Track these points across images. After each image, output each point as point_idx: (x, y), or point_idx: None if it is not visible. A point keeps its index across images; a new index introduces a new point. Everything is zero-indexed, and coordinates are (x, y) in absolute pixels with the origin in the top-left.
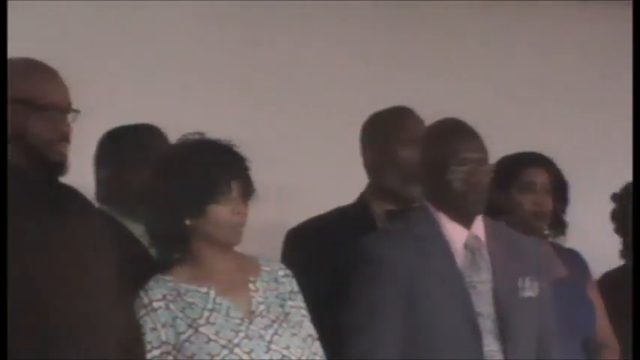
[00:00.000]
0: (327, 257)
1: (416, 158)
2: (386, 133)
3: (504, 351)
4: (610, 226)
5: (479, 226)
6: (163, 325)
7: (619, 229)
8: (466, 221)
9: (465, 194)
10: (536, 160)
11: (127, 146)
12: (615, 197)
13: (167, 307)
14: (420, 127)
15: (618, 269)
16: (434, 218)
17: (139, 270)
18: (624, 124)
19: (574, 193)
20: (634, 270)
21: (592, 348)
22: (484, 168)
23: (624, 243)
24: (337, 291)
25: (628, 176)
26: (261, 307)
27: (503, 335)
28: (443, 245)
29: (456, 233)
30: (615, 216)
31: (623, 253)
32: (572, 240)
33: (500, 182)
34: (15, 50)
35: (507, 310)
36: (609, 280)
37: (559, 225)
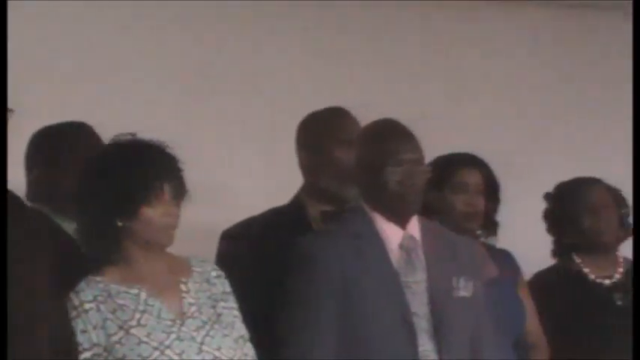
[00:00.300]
0: (262, 258)
1: (352, 159)
2: (321, 133)
3: (439, 351)
4: (541, 226)
5: (414, 226)
6: (94, 327)
7: (551, 229)
8: (402, 221)
9: (400, 195)
10: (469, 161)
11: (57, 145)
12: (548, 197)
13: (98, 309)
14: (356, 127)
15: (549, 269)
16: (369, 218)
17: (74, 269)
18: (556, 125)
19: (505, 194)
20: (634, 270)
21: (523, 348)
22: (420, 169)
23: (555, 243)
24: (272, 292)
25: (560, 176)
26: (193, 308)
27: (438, 335)
28: (378, 245)
29: (391, 233)
30: (547, 215)
31: (555, 253)
32: (503, 240)
33: (435, 183)
34: None
35: (442, 309)
36: (540, 280)
37: (491, 225)
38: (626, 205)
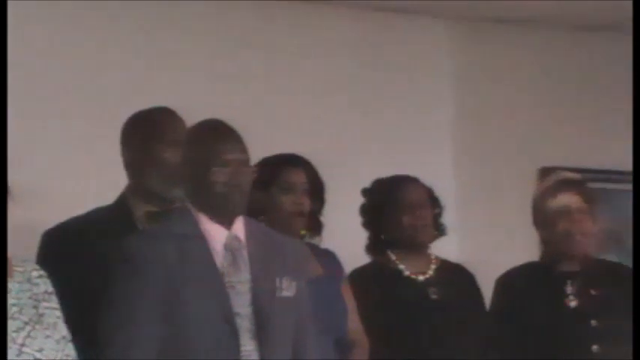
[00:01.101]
0: (85, 258)
1: (177, 159)
2: (146, 133)
3: (261, 350)
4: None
5: (239, 226)
6: None
7: (366, 224)
8: (227, 222)
9: (226, 195)
10: (295, 161)
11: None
12: (365, 192)
13: None
14: (182, 127)
15: (365, 266)
16: (195, 219)
17: None
18: (378, 124)
19: (329, 195)
20: (634, 269)
21: (344, 347)
22: (245, 169)
23: (370, 238)
24: (95, 291)
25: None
26: (14, 309)
27: (260, 335)
28: (202, 245)
29: (216, 234)
30: (364, 210)
31: (369, 249)
32: (327, 240)
33: (261, 183)
34: None
35: (265, 309)
36: (357, 276)
37: (316, 225)
38: (439, 205)
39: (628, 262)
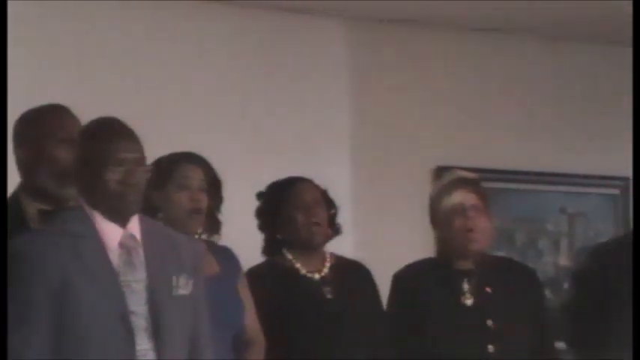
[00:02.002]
0: None
1: (71, 157)
2: (39, 131)
3: (157, 349)
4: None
5: (135, 225)
6: None
7: (262, 226)
8: (122, 220)
9: (121, 194)
10: (191, 159)
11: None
12: (260, 195)
13: None
14: (76, 125)
15: (261, 265)
16: (89, 218)
17: None
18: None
19: (228, 193)
20: (634, 269)
21: (241, 345)
22: (141, 168)
23: (266, 240)
24: None
25: (277, 174)
26: None
27: (157, 334)
28: (97, 244)
29: (111, 232)
30: (260, 213)
31: (265, 250)
32: (225, 238)
33: (157, 181)
34: None
35: (161, 308)
36: (253, 275)
37: (213, 223)
38: (334, 206)
39: (518, 259)
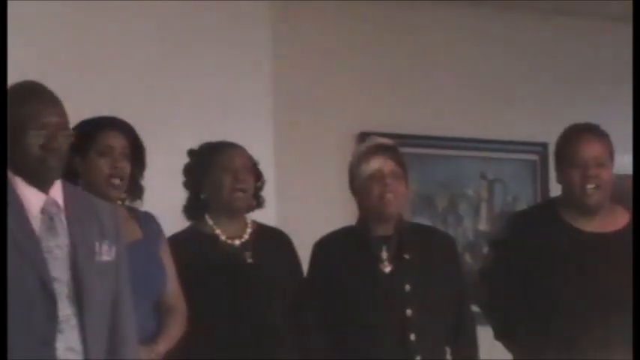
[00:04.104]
0: None
1: None
2: None
3: (80, 315)
4: (183, 191)
5: (57, 190)
6: None
7: (187, 183)
8: (44, 186)
9: (42, 159)
10: (114, 125)
11: None
12: (191, 152)
13: None
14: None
15: (184, 231)
16: (11, 183)
17: None
18: (197, 91)
19: (151, 159)
20: (634, 268)
21: (163, 309)
22: (63, 133)
23: (189, 199)
24: None
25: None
26: None
27: (79, 300)
28: (19, 210)
29: (33, 198)
30: (188, 170)
31: (186, 210)
32: (147, 203)
33: (79, 147)
34: None
35: (84, 274)
36: (176, 241)
37: (136, 189)
38: (261, 178)
39: (439, 224)
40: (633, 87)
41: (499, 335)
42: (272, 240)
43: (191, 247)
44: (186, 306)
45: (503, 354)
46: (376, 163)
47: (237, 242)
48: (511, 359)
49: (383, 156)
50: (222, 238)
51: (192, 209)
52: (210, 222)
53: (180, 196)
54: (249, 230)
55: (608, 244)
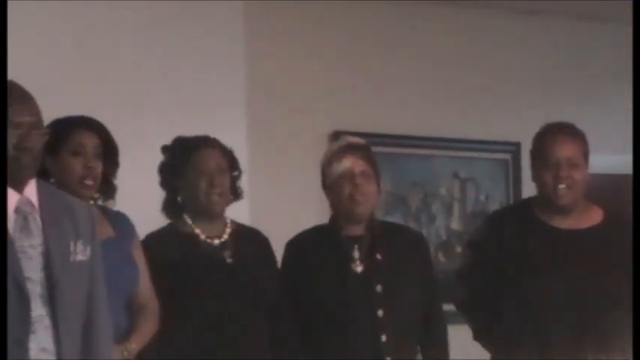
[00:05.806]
0: None
1: None
2: None
3: (53, 315)
4: (158, 190)
5: (31, 190)
6: None
7: (163, 184)
8: (18, 185)
9: (17, 158)
10: (87, 124)
11: None
12: (165, 149)
13: None
14: None
15: (161, 230)
16: None
17: None
18: (171, 86)
19: (124, 158)
20: (634, 268)
21: (135, 308)
22: (37, 131)
23: (166, 200)
24: None
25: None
26: None
27: (53, 299)
28: None
29: (7, 198)
30: (163, 169)
31: (165, 210)
32: (120, 203)
33: (52, 146)
34: None
35: (58, 274)
36: (153, 240)
37: (109, 188)
38: (237, 168)
39: (412, 223)
40: (633, 87)
41: (478, 336)
42: (251, 240)
43: (170, 246)
44: (159, 304)
45: (480, 354)
46: (347, 163)
47: (216, 242)
48: (488, 359)
49: (354, 155)
50: (202, 237)
51: (170, 209)
52: (189, 221)
53: (155, 192)
54: (228, 230)
55: (582, 240)
